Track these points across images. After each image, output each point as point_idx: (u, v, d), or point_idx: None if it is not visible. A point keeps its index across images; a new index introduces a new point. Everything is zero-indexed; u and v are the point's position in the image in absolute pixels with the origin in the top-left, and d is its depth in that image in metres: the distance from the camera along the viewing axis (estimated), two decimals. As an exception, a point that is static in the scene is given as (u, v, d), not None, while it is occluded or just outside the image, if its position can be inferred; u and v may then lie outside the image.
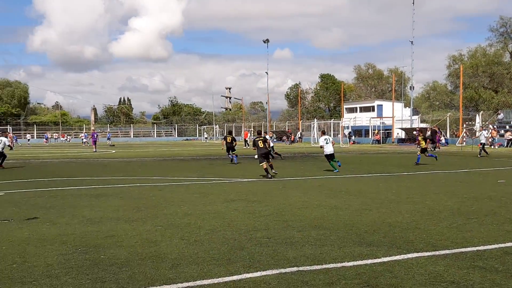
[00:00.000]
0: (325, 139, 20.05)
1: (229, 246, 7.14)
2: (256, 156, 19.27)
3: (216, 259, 6.45)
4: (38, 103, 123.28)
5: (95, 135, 46.93)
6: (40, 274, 5.84)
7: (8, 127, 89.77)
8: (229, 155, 25.84)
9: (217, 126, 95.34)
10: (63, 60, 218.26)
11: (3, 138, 24.01)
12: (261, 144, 18.03)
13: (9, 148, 26.17)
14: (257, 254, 6.64)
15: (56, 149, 50.74)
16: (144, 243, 7.41)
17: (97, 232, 8.24)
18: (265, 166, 17.53)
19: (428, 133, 41.48)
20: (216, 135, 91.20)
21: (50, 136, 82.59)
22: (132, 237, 7.83)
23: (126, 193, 13.48)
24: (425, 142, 23.83)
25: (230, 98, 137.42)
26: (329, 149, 19.68)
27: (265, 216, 9.53)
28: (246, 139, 53.32)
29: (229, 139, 26.18)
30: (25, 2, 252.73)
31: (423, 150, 23.52)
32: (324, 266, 6.07)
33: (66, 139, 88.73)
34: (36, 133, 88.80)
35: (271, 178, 16.93)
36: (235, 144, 26.22)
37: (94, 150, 42.65)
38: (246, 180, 16.76)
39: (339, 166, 19.62)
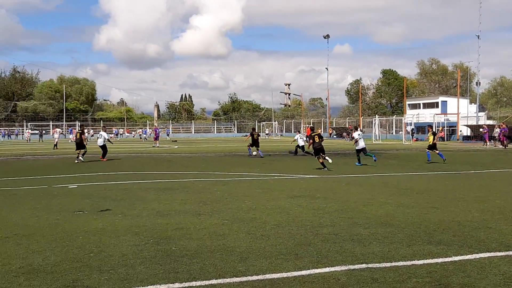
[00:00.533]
0: (358, 134, 21.72)
1: (295, 241, 7.20)
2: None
3: (283, 253, 6.52)
4: (104, 100, 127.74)
5: (157, 130, 48.13)
6: (116, 263, 6.10)
7: (77, 122, 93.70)
8: (250, 150, 28.36)
9: (276, 122, 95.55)
10: (127, 58, 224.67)
11: (103, 133, 25.61)
12: (316, 139, 19.21)
13: (110, 142, 27.96)
14: (324, 250, 6.65)
15: (123, 144, 52.44)
16: (212, 236, 7.58)
17: (166, 224, 8.50)
18: (321, 160, 18.89)
19: (497, 130, 39.87)
20: (275, 132, 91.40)
21: (119, 132, 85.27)
22: (200, 230, 8.03)
23: (191, 187, 13.80)
24: (434, 139, 23.19)
25: (289, 94, 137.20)
26: (362, 144, 21.26)
27: (330, 213, 9.51)
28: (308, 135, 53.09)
29: (255, 135, 28.18)
30: (92, 2, 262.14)
31: (432, 147, 23.02)
32: (394, 263, 6.01)
33: (132, 135, 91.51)
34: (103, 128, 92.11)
35: (327, 170, 18.37)
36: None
37: (156, 145, 43.78)
38: (308, 176, 16.74)
39: (375, 160, 20.94)
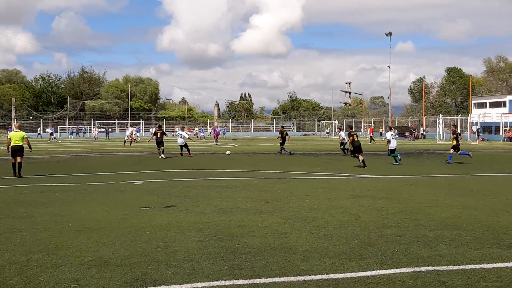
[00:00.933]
0: (391, 135, 22.13)
1: (359, 241, 7.13)
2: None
3: (347, 253, 6.47)
4: (167, 99, 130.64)
5: (217, 129, 48.90)
6: (182, 259, 6.26)
7: (141, 121, 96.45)
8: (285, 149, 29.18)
9: (336, 121, 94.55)
10: (189, 57, 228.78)
11: (183, 132, 27.02)
12: (355, 138, 20.58)
13: (190, 140, 29.60)
14: (389, 251, 6.56)
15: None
16: (274, 234, 7.63)
17: (229, 221, 8.63)
18: (361, 158, 19.92)
19: None
20: (334, 131, 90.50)
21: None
22: (262, 228, 8.10)
23: (253, 185, 13.92)
24: (457, 139, 22.31)
25: (349, 93, 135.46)
26: (393, 145, 21.59)
27: (394, 214, 9.35)
28: (371, 134, 52.23)
29: (284, 133, 29.76)
30: (155, 4, 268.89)
31: (455, 147, 22.21)
32: (462, 266, 5.85)
33: (193, 133, 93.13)
34: (166, 127, 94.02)
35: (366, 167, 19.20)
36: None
37: (215, 143, 44.39)
38: (371, 176, 16.49)
39: (399, 160, 21.26)
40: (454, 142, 22.26)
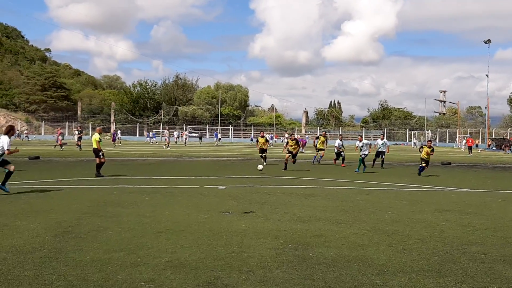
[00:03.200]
0: (364, 144, 23.02)
1: (439, 258, 6.81)
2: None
3: (425, 270, 6.21)
4: (256, 106, 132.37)
5: (303, 138, 49.08)
6: (255, 265, 6.30)
7: (230, 127, 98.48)
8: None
9: (429, 131, 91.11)
10: (279, 65, 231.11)
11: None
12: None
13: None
14: (471, 270, 6.21)
15: (270, 149, 53.91)
16: (351, 245, 7.48)
17: (306, 230, 8.57)
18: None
19: None
20: (427, 141, 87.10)
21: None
22: (339, 238, 7.96)
23: (334, 194, 13.73)
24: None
25: (444, 102, 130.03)
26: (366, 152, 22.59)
27: (481, 230, 8.84)
28: (472, 146, 50.01)
29: (323, 138, 29.03)
30: (248, 12, 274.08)
31: None
32: (552, 292, 5.42)
33: (280, 140, 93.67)
34: (254, 133, 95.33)
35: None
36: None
37: (302, 150, 44.50)
38: (461, 189, 15.72)
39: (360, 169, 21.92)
40: None
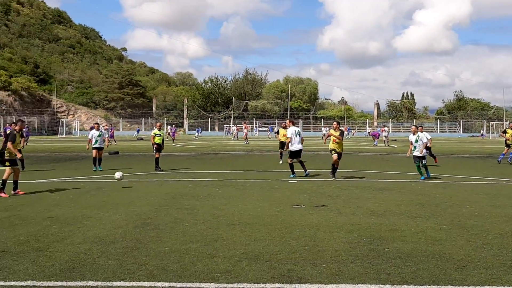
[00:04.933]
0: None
1: (523, 254, 6.51)
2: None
3: (507, 265, 5.98)
4: (325, 99, 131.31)
5: (377, 131, 48.16)
6: (329, 259, 6.29)
7: (300, 120, 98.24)
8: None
9: (508, 122, 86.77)
10: (349, 57, 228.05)
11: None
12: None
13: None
14: (558, 267, 5.89)
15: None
16: (427, 240, 7.30)
17: (380, 224, 8.44)
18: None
19: None
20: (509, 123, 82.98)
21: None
22: (415, 233, 7.79)
23: (409, 188, 13.42)
24: None
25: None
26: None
27: None
28: None
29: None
30: (317, 5, 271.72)
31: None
32: None
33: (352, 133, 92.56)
34: (323, 127, 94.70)
35: None
36: None
37: (375, 143, 43.76)
38: (545, 183, 14.88)
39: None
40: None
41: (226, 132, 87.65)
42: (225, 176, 16.49)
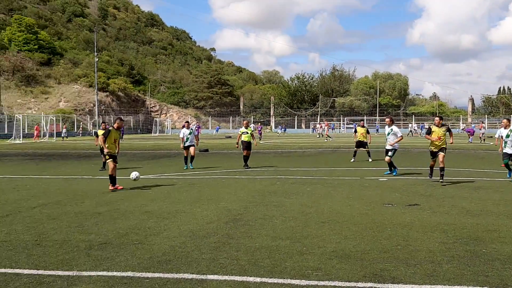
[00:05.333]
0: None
1: None
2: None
3: None
4: (416, 94, 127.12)
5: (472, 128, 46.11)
6: (422, 259, 6.11)
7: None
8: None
9: None
10: (440, 50, 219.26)
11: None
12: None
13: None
14: None
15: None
16: (530, 243, 6.88)
17: (477, 224, 8.07)
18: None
19: None
20: None
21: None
22: (516, 234, 7.37)
23: (507, 187, 12.71)
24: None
25: None
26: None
27: None
28: None
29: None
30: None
31: None
32: None
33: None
34: (415, 123, 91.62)
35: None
36: None
37: (470, 140, 41.80)
38: None
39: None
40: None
41: (312, 129, 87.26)
42: (313, 173, 16.46)
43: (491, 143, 39.69)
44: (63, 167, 20.08)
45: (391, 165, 16.01)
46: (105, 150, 13.07)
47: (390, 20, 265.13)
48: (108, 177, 12.81)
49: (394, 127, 16.14)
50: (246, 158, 18.84)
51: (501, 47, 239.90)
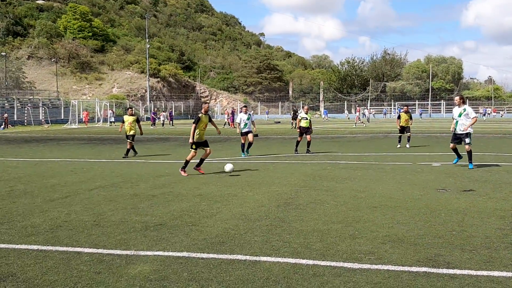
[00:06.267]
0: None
1: None
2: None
3: None
4: (471, 78, 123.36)
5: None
6: (479, 245, 5.98)
7: (442, 102, 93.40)
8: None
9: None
10: (497, 33, 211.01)
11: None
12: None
13: None
14: None
15: (489, 124, 49.84)
16: None
17: (536, 211, 7.82)
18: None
19: None
20: None
21: (487, 112, 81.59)
22: None
23: None
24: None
25: None
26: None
27: None
28: None
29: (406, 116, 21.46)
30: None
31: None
32: None
33: (499, 114, 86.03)
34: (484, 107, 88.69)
35: None
36: None
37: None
38: None
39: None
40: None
41: (362, 114, 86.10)
42: (363, 158, 16.30)
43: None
44: (117, 151, 20.65)
45: (456, 151, 13.90)
46: (190, 140, 12.67)
47: (444, 2, 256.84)
48: (184, 161, 12.83)
49: (468, 107, 13.67)
50: (302, 143, 18.53)
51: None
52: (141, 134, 18.95)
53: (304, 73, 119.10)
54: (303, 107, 19.43)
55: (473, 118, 13.41)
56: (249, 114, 18.14)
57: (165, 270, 5.16)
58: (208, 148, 13.04)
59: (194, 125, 12.70)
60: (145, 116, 70.94)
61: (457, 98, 13.86)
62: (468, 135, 13.40)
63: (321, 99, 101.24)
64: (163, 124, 55.24)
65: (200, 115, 12.84)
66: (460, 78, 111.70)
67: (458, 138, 13.60)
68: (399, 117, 21.39)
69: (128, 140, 17.96)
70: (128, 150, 17.79)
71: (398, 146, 21.08)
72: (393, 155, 17.28)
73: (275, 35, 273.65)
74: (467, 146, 13.43)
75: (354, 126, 45.61)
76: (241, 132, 17.81)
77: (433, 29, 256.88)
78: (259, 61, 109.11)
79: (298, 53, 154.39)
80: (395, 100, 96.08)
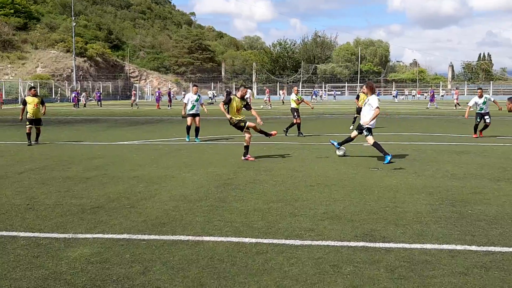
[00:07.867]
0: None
1: None
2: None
3: None
4: (397, 61, 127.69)
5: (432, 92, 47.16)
6: (411, 220, 6.28)
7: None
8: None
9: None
10: (421, 17, 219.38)
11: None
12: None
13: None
14: None
15: (410, 105, 51.95)
16: (513, 204, 7.11)
17: (461, 187, 8.29)
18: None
19: None
20: None
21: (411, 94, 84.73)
22: (499, 196, 7.60)
23: (489, 151, 13.00)
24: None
25: None
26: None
27: None
28: None
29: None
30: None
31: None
32: None
33: (423, 96, 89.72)
34: (396, 89, 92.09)
35: None
36: None
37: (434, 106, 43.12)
38: None
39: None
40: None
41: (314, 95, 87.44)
42: (299, 139, 16.58)
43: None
44: (45, 133, 19.85)
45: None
46: (229, 117, 11.72)
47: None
48: (244, 146, 11.93)
49: (372, 98, 11.86)
50: (299, 126, 18.07)
51: (482, 13, 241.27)
52: (44, 114, 16.54)
53: (236, 54, 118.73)
54: (294, 89, 18.66)
55: (375, 109, 11.53)
56: (199, 95, 16.83)
57: (106, 253, 5.08)
58: (246, 135, 11.86)
59: (222, 103, 11.79)
60: (70, 97, 68.41)
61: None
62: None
63: (253, 80, 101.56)
64: (85, 105, 53.43)
65: (232, 96, 11.85)
66: (387, 61, 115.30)
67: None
68: (357, 97, 20.63)
69: (32, 125, 15.83)
70: (37, 135, 16.10)
71: (351, 127, 20.41)
72: (327, 136, 17.67)
73: (206, 15, 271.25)
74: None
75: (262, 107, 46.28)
76: (188, 114, 16.56)
77: (361, 12, 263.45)
78: (190, 41, 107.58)
79: (230, 34, 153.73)
80: (326, 82, 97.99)
